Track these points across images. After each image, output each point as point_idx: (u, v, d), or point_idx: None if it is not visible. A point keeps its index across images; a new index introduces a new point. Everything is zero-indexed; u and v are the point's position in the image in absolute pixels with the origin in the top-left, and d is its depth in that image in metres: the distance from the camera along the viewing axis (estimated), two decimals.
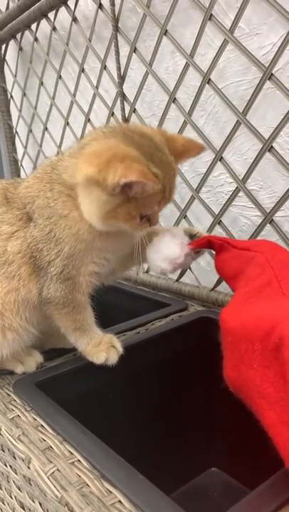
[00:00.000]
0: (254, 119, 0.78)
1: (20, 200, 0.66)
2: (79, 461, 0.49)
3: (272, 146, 0.74)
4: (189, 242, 0.66)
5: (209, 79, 0.82)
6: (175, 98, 0.90)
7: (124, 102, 1.02)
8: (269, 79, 0.72)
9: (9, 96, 1.47)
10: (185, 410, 0.82)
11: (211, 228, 0.89)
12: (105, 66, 1.05)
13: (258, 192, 0.85)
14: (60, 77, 1.23)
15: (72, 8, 1.09)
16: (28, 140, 1.47)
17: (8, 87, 1.47)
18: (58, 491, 0.46)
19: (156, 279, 1.01)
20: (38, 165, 1.44)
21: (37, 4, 1.14)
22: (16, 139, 1.51)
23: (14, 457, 0.55)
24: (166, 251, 0.65)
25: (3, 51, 1.42)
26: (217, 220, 0.87)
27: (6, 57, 1.43)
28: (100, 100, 1.09)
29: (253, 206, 0.81)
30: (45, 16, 1.17)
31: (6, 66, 1.44)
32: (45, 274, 0.63)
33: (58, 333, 0.71)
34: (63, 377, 0.68)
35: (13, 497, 0.59)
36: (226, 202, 0.84)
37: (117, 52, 0.98)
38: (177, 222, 0.97)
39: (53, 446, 0.52)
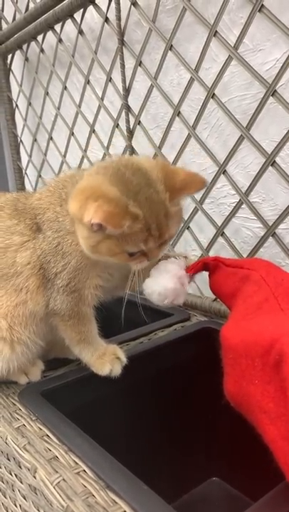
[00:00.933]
0: (257, 132, 0.80)
1: (32, 211, 0.68)
2: (84, 471, 0.50)
3: (274, 161, 0.75)
4: (186, 268, 0.67)
5: (213, 93, 0.83)
6: (180, 111, 0.92)
7: (129, 114, 1.03)
8: (272, 95, 0.73)
9: (14, 105, 1.49)
10: (187, 420, 0.83)
11: (213, 239, 0.91)
12: (110, 78, 1.07)
13: (260, 204, 0.86)
14: (65, 87, 1.25)
15: (79, 20, 1.11)
16: (32, 149, 1.48)
17: (14, 96, 1.48)
18: (64, 500, 0.47)
19: None
20: (41, 173, 1.46)
21: (43, 16, 1.16)
22: (21, 147, 1.53)
23: (20, 466, 0.55)
24: (159, 284, 0.64)
25: (9, 61, 1.44)
26: (220, 232, 0.88)
27: (12, 67, 1.45)
28: (105, 111, 1.11)
29: (256, 218, 0.82)
30: (52, 28, 1.19)
31: (11, 76, 1.46)
32: (52, 285, 0.65)
33: (61, 343, 0.72)
34: (68, 386, 0.69)
35: (17, 506, 0.60)
36: (229, 214, 0.86)
37: (123, 66, 1.00)
38: (181, 233, 0.99)
39: (58, 456, 0.53)
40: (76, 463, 0.52)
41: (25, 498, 0.56)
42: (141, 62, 0.97)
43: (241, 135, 0.80)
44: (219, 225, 0.89)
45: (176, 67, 0.97)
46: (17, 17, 1.30)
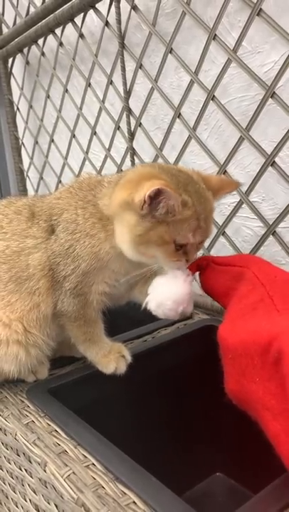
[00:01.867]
0: (256, 133, 0.81)
1: (49, 211, 0.68)
2: (93, 464, 0.52)
3: (274, 161, 0.77)
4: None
5: (213, 95, 0.85)
6: (180, 113, 0.93)
7: (130, 116, 1.05)
8: (271, 97, 0.75)
9: (15, 108, 1.50)
10: (190, 416, 0.84)
11: (215, 239, 0.92)
12: (111, 81, 1.09)
13: (260, 204, 0.88)
14: (66, 90, 1.26)
15: (79, 24, 1.12)
16: (34, 151, 1.50)
17: (15, 99, 1.50)
18: (75, 492, 0.48)
19: None
20: (43, 175, 1.48)
21: (44, 20, 1.18)
22: (22, 150, 1.54)
23: (30, 461, 0.57)
24: (172, 291, 0.61)
25: (10, 64, 1.45)
26: (221, 231, 0.90)
27: (13, 71, 1.46)
28: (106, 113, 1.12)
29: (256, 217, 0.84)
30: (52, 31, 1.20)
31: (12, 79, 1.48)
32: (60, 287, 0.66)
33: (68, 342, 0.73)
34: (74, 384, 0.70)
35: (27, 500, 0.61)
36: (230, 214, 0.87)
37: (123, 68, 1.01)
38: None
39: (67, 450, 0.55)
40: (85, 456, 0.53)
41: (35, 492, 0.58)
42: (141, 65, 0.99)
43: (241, 136, 0.81)
44: (220, 224, 0.90)
45: (175, 70, 0.98)
46: (17, 21, 1.32)
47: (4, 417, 0.64)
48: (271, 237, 0.82)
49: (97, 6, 1.04)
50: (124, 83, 1.02)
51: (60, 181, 1.39)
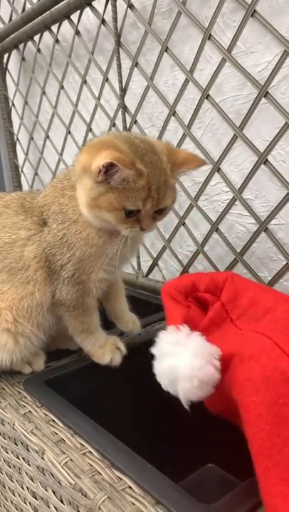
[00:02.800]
0: (249, 132, 0.83)
1: (39, 209, 0.71)
2: (90, 452, 0.54)
3: (267, 159, 0.79)
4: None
5: (208, 94, 0.86)
6: (175, 111, 0.95)
7: (126, 113, 1.06)
8: (265, 96, 0.77)
9: (11, 104, 1.51)
10: (183, 408, 0.86)
11: (208, 235, 0.94)
12: (107, 78, 1.10)
13: (252, 201, 0.90)
14: (62, 86, 1.27)
15: (76, 22, 1.13)
16: (29, 147, 1.50)
17: (10, 95, 1.50)
18: (72, 478, 0.50)
19: (155, 283, 1.05)
20: (38, 171, 1.49)
21: (40, 17, 1.18)
22: (17, 145, 1.55)
23: (28, 450, 0.58)
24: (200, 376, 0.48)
25: (5, 60, 1.46)
26: (214, 227, 0.92)
27: (8, 67, 1.47)
28: (102, 110, 1.13)
29: (249, 214, 0.85)
30: (48, 28, 1.21)
31: (8, 75, 1.48)
32: (58, 277, 0.68)
33: (64, 335, 0.75)
34: (71, 375, 0.72)
35: (24, 488, 0.63)
36: (223, 210, 0.89)
37: (119, 66, 1.02)
38: (176, 229, 1.02)
39: (65, 438, 0.56)
40: (82, 445, 0.55)
41: (32, 480, 0.59)
42: (137, 63, 1.00)
43: (235, 134, 0.83)
44: (214, 221, 0.92)
45: (171, 68, 0.99)
46: (13, 17, 1.32)
47: (2, 407, 0.66)
48: (263, 234, 0.84)
49: (93, 3, 1.05)
50: (120, 80, 1.03)
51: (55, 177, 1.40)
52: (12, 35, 1.33)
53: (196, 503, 0.45)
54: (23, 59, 1.41)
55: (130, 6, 0.98)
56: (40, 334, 0.73)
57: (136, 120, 1.05)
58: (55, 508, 0.54)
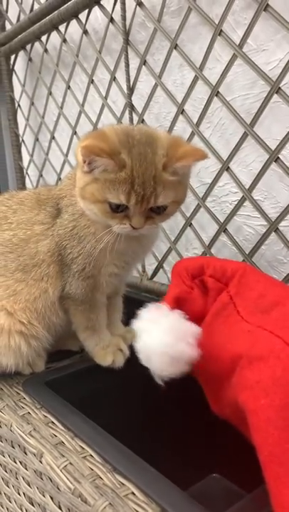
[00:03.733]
0: (260, 131, 0.81)
1: (55, 200, 0.70)
2: (91, 455, 0.51)
3: (278, 157, 0.77)
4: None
5: (218, 91, 0.85)
6: (183, 110, 0.93)
7: (133, 113, 1.05)
8: (277, 92, 0.75)
9: (17, 105, 1.50)
10: (187, 415, 0.83)
11: (216, 236, 0.92)
12: (115, 78, 1.08)
13: (262, 202, 0.87)
14: (68, 87, 1.26)
15: (84, 21, 1.12)
16: (34, 148, 1.49)
17: (16, 96, 1.49)
18: (72, 483, 0.47)
19: (159, 286, 1.03)
20: (42, 173, 1.47)
21: (48, 17, 1.18)
22: (22, 147, 1.53)
23: (25, 453, 0.56)
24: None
25: (12, 61, 1.45)
26: (222, 228, 0.89)
27: (15, 68, 1.46)
28: (108, 111, 1.12)
29: (257, 216, 0.83)
30: (56, 28, 1.20)
31: (14, 76, 1.47)
32: (68, 270, 0.66)
33: (66, 336, 0.73)
34: (72, 377, 0.69)
35: (21, 494, 0.60)
36: (232, 210, 0.87)
37: (127, 65, 1.01)
38: (182, 231, 1.00)
39: (64, 441, 0.54)
40: (82, 448, 0.52)
41: (29, 485, 0.57)
42: (145, 61, 0.99)
43: (245, 132, 0.81)
44: (221, 222, 0.90)
45: (179, 67, 0.98)
46: (21, 17, 1.31)
47: None
48: (272, 236, 0.81)
49: (102, 2, 1.04)
50: (128, 79, 1.02)
51: (60, 179, 1.38)
52: (19, 36, 1.32)
53: (204, 510, 0.41)
54: (30, 60, 1.41)
55: (140, 4, 0.97)
56: (50, 336, 0.71)
57: (143, 119, 1.03)
58: None
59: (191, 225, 0.98)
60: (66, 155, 1.33)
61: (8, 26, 1.40)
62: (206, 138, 0.91)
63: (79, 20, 1.13)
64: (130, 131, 0.61)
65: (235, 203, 0.87)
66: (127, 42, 1.01)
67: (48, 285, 0.67)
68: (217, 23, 0.82)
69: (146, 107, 1.02)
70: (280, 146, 0.76)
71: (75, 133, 1.27)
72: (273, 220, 0.79)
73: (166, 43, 0.94)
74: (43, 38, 1.29)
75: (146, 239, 0.67)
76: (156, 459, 0.77)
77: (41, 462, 0.52)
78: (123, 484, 0.46)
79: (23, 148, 1.54)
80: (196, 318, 0.56)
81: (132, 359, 0.71)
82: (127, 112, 1.05)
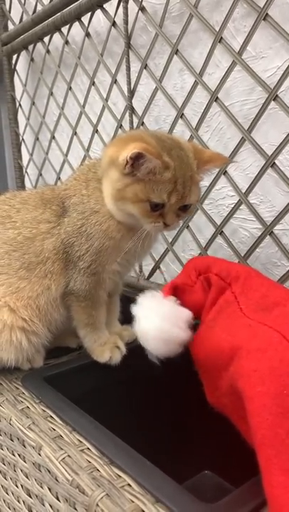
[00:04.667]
0: (257, 136, 0.83)
1: (60, 199, 0.71)
2: (88, 448, 0.52)
3: (274, 162, 0.79)
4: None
5: (217, 97, 0.87)
6: (183, 114, 0.95)
7: (133, 116, 1.06)
8: (274, 99, 0.77)
9: (17, 104, 1.51)
10: (180, 413, 0.85)
11: (212, 239, 0.93)
12: (116, 80, 1.10)
13: (258, 206, 0.89)
14: (70, 88, 1.28)
15: (86, 23, 1.14)
16: (34, 148, 1.50)
17: (17, 95, 1.51)
18: (70, 474, 0.49)
19: (156, 286, 1.04)
20: (42, 172, 1.48)
21: (51, 19, 1.19)
22: (22, 146, 1.55)
23: (24, 445, 0.57)
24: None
25: (14, 61, 1.46)
26: (219, 231, 0.91)
27: (17, 67, 1.47)
28: (109, 112, 1.14)
29: (253, 219, 0.85)
30: (59, 29, 1.22)
31: (16, 75, 1.49)
32: (74, 266, 0.68)
33: (65, 333, 0.75)
34: (70, 373, 0.71)
35: (19, 486, 0.61)
36: (229, 213, 0.89)
37: (129, 68, 1.03)
38: (179, 232, 1.01)
39: (62, 435, 0.55)
40: (80, 441, 0.54)
41: (27, 477, 0.58)
42: (146, 65, 1.01)
43: (243, 137, 0.83)
44: (218, 224, 0.92)
45: (179, 72, 1.00)
46: (24, 18, 1.33)
47: None
48: (267, 239, 0.83)
49: (104, 6, 1.06)
50: (129, 82, 1.04)
51: (59, 178, 1.40)
52: (22, 36, 1.33)
53: (198, 502, 0.44)
54: (32, 60, 1.42)
55: (142, 9, 0.99)
56: (50, 332, 0.73)
57: (143, 122, 1.05)
58: (50, 506, 0.53)
59: (188, 227, 1.00)
60: (66, 155, 1.34)
61: (10, 26, 1.41)
62: (204, 142, 0.93)
63: (81, 23, 1.15)
64: (160, 135, 0.65)
65: (232, 206, 0.89)
66: (128, 45, 1.03)
67: (51, 282, 0.69)
68: (218, 30, 0.84)
69: (147, 109, 1.03)
70: (277, 151, 0.78)
71: (75, 133, 1.29)
72: (268, 224, 0.81)
73: (167, 47, 0.95)
74: (46, 39, 1.30)
75: (149, 239, 0.69)
76: (151, 455, 0.80)
77: (40, 455, 0.53)
78: (119, 476, 0.47)
79: (23, 147, 1.55)
80: (195, 308, 0.61)
81: (129, 357, 0.73)
82: (127, 114, 1.07)
